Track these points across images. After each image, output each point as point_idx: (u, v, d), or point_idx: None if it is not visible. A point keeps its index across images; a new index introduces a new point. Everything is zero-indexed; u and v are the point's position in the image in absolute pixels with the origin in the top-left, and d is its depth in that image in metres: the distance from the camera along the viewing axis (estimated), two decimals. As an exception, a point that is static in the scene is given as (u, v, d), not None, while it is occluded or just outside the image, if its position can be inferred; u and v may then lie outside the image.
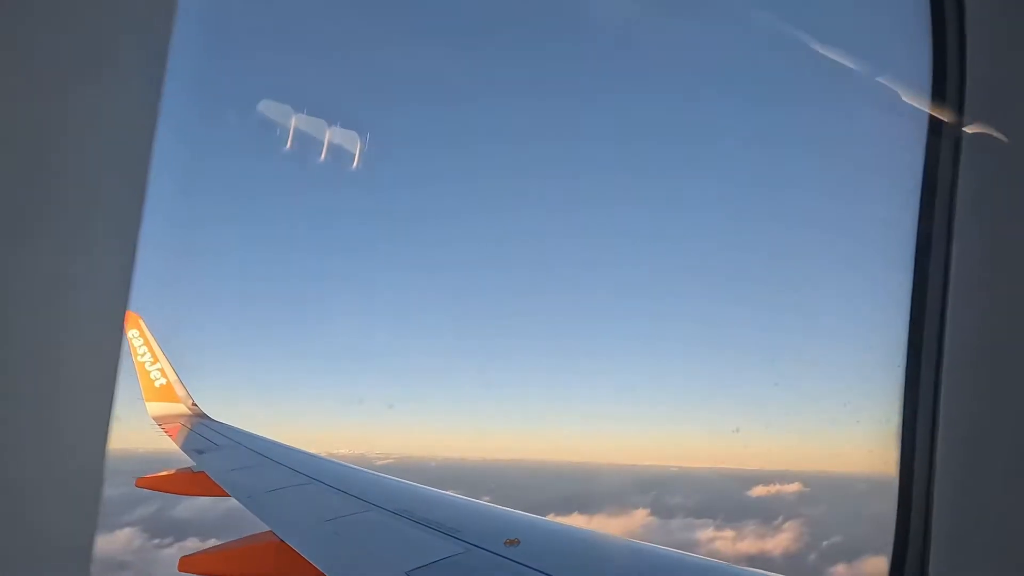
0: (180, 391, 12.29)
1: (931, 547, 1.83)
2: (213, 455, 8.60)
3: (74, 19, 0.92)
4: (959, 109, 1.92)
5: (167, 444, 9.78)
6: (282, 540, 5.01)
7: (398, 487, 6.95)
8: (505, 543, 4.71)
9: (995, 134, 1.89)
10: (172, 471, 8.12)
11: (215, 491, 6.94)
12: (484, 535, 4.92)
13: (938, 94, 1.96)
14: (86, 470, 0.98)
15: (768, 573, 4.02)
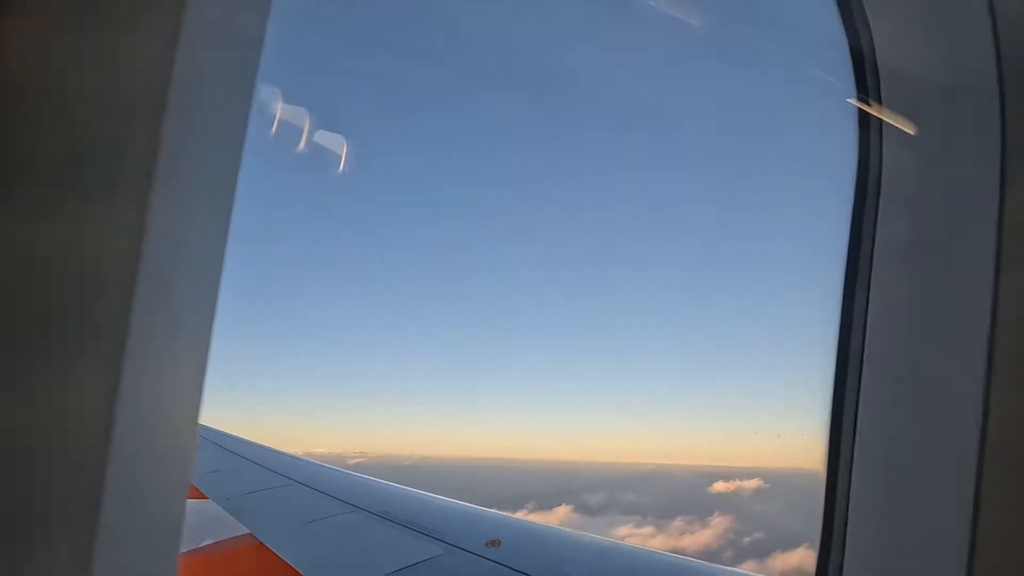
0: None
1: (847, 549, 1.88)
2: None
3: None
4: (878, 103, 1.94)
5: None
6: (262, 543, 4.98)
7: (378, 488, 6.94)
8: (486, 544, 4.73)
9: (911, 127, 1.93)
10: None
11: (192, 494, 6.87)
12: (465, 536, 4.93)
13: (860, 89, 1.98)
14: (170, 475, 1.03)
15: (750, 574, 4.08)
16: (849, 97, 2.01)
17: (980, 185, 1.77)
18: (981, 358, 1.70)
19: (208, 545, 5.39)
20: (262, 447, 9.15)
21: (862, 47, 1.94)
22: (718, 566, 4.42)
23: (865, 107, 1.99)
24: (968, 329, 1.75)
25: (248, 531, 5.31)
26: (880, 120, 1.97)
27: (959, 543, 1.67)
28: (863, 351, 1.94)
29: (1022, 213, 1.73)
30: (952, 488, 1.72)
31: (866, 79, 1.96)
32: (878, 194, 1.97)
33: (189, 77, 0.97)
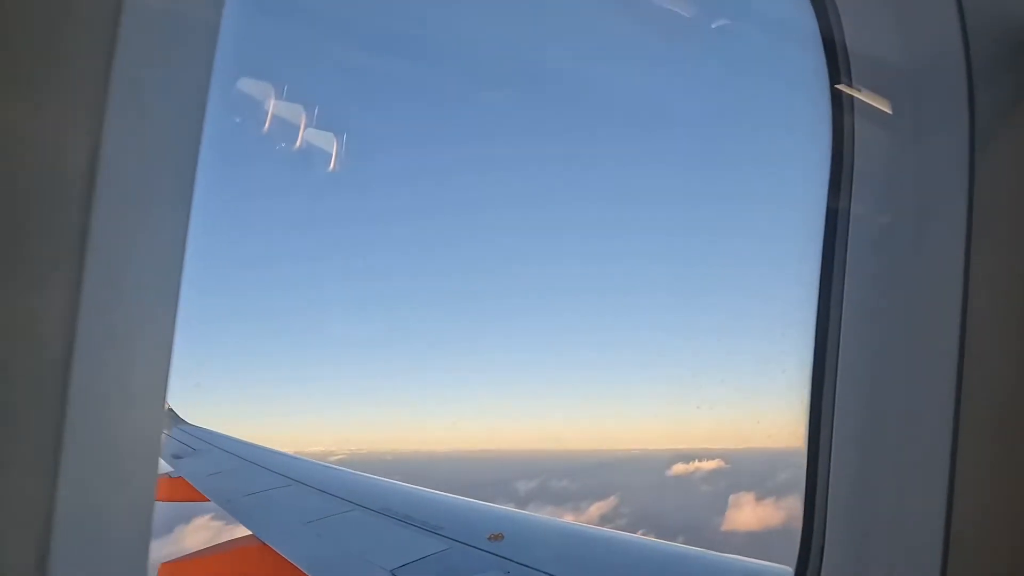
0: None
1: (826, 545, 1.91)
2: (191, 460, 8.48)
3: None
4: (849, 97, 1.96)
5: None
6: (265, 543, 4.98)
7: (379, 485, 6.94)
8: (489, 538, 4.74)
9: (883, 112, 1.94)
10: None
11: (193, 496, 6.86)
12: (467, 531, 4.94)
13: (832, 77, 1.98)
14: (140, 459, 1.01)
15: (761, 562, 4.09)
16: (823, 84, 2.02)
17: (951, 166, 1.78)
18: (954, 338, 1.73)
19: (211, 547, 5.39)
20: (263, 447, 9.13)
21: (833, 35, 1.94)
22: (723, 554, 4.44)
23: (838, 94, 1.99)
24: (941, 310, 1.77)
25: (250, 532, 5.31)
26: (853, 106, 1.97)
27: (935, 523, 1.70)
28: (840, 334, 1.96)
29: (991, 194, 1.75)
30: (927, 466, 1.76)
31: (838, 67, 1.96)
32: (852, 177, 1.98)
33: (131, 68, 0.94)
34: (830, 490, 1.94)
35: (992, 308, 1.75)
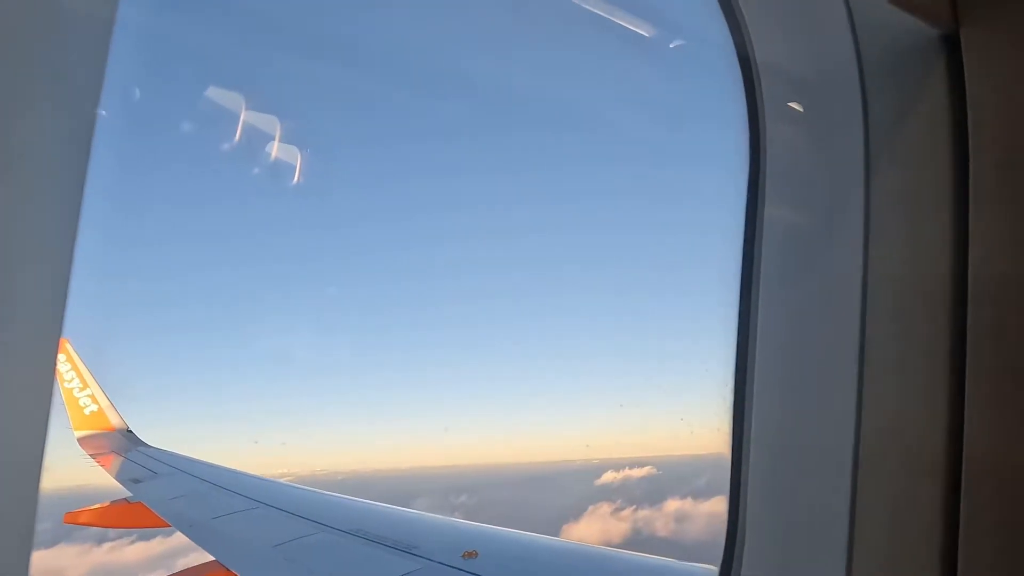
0: (113, 418, 11.64)
1: (746, 545, 1.96)
2: (151, 484, 8.20)
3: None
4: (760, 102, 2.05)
5: (100, 477, 9.27)
6: (228, 570, 4.82)
7: (349, 505, 6.80)
8: (463, 556, 4.67)
9: (789, 117, 2.04)
10: (105, 504, 7.70)
11: (154, 522, 6.62)
12: (441, 549, 4.86)
13: (746, 85, 2.06)
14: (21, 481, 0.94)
15: (688, 564, 4.11)
16: (738, 91, 2.10)
17: (848, 168, 1.87)
18: (854, 338, 1.78)
19: (173, 574, 5.19)
20: (228, 469, 8.89)
21: (745, 45, 2.03)
22: (695, 565, 4.45)
23: (752, 101, 2.07)
24: (842, 309, 1.83)
25: (214, 558, 5.14)
26: (764, 112, 2.06)
27: (840, 519, 1.75)
28: (756, 336, 2.02)
29: (884, 193, 1.84)
30: (832, 465, 1.81)
31: (751, 75, 2.05)
32: (765, 180, 2.07)
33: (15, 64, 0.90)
34: (748, 491, 1.97)
35: (889, 304, 1.83)
